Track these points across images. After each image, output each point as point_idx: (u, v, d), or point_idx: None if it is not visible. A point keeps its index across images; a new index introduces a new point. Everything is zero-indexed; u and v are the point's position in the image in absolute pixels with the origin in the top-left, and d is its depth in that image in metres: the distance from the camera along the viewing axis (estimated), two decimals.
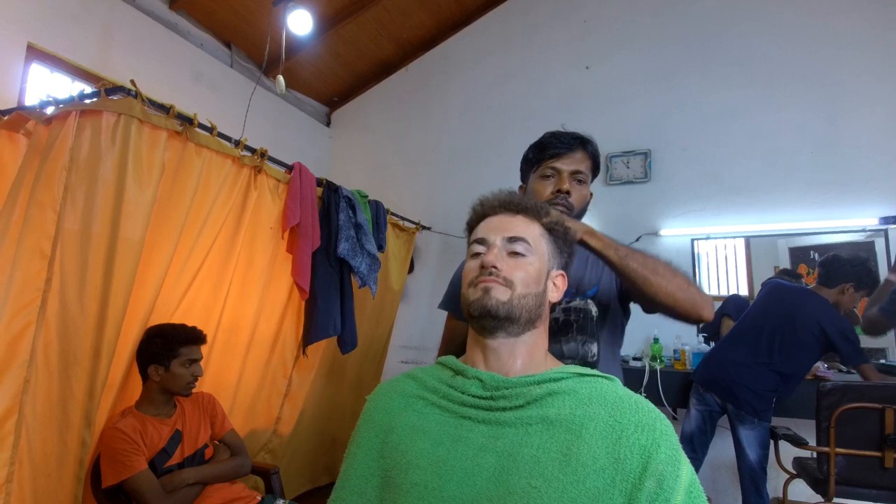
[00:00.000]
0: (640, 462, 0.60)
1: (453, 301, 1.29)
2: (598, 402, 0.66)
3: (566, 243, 0.81)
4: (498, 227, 0.76)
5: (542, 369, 0.72)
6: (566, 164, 1.05)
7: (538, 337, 0.75)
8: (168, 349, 1.67)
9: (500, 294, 0.70)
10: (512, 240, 0.74)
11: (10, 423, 1.40)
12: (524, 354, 0.73)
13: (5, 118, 1.75)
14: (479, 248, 0.75)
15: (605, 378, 0.71)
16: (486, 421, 0.67)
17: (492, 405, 0.68)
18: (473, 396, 0.70)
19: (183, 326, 1.74)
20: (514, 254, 0.73)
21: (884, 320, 2.28)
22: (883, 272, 2.69)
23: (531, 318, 0.72)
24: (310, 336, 2.30)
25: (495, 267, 0.71)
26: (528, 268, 0.73)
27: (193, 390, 1.79)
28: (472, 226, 0.82)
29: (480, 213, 0.80)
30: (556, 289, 0.79)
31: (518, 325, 0.71)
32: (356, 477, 0.72)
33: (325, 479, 3.04)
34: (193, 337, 1.72)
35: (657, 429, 0.63)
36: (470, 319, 0.74)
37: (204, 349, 1.80)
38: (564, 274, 0.80)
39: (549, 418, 0.65)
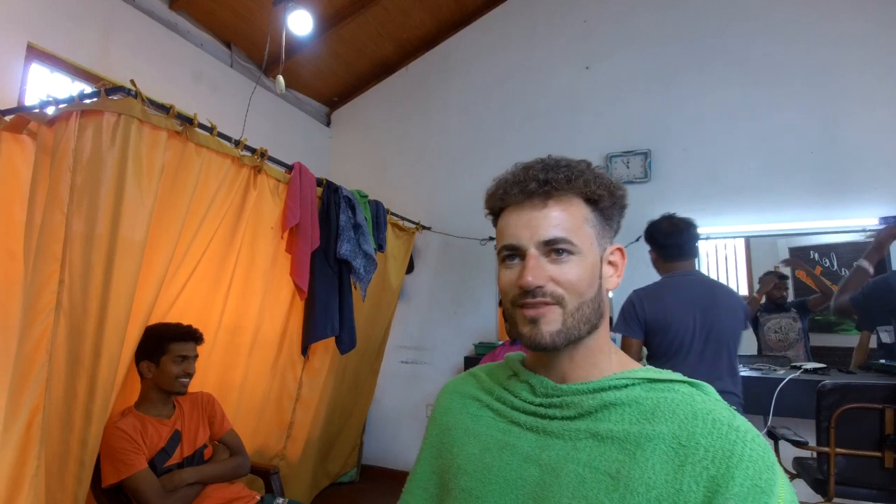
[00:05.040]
0: (704, 497, 0.50)
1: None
2: (664, 417, 0.55)
3: (616, 205, 0.64)
4: (527, 226, 0.60)
5: (606, 372, 0.63)
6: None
7: (600, 336, 0.64)
8: (158, 346, 1.69)
9: (550, 324, 0.59)
10: (550, 242, 0.59)
11: (39, 418, 1.44)
12: (585, 357, 0.63)
13: (7, 120, 1.75)
14: (510, 255, 0.62)
15: (689, 384, 0.59)
16: (534, 429, 0.62)
17: (540, 412, 0.63)
18: (523, 401, 0.65)
19: (176, 324, 1.75)
20: (557, 255, 0.60)
21: (852, 309, 2.28)
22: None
23: (592, 325, 0.62)
24: (308, 337, 2.30)
25: (539, 287, 0.59)
26: (576, 271, 0.59)
27: (191, 390, 1.79)
28: (494, 212, 0.67)
29: (500, 204, 0.64)
30: (615, 269, 0.65)
31: (578, 338, 0.61)
32: (421, 473, 0.74)
33: (325, 482, 3.04)
34: (182, 333, 1.73)
35: (735, 454, 0.50)
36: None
37: (205, 349, 1.81)
38: (621, 248, 0.65)
39: (600, 434, 0.57)
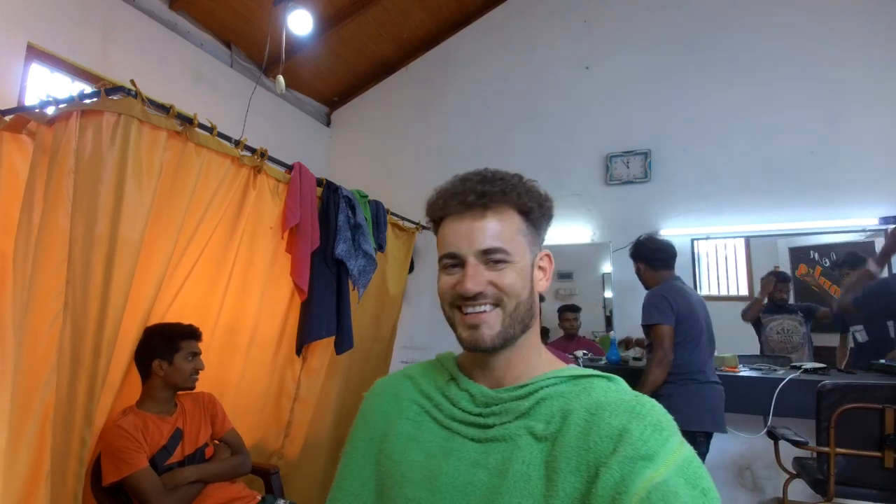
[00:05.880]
0: (609, 444, 0.54)
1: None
2: (580, 401, 0.60)
3: (544, 216, 0.69)
4: (467, 236, 0.64)
5: (537, 372, 0.67)
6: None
7: (532, 335, 0.69)
8: (171, 344, 1.70)
9: (489, 328, 0.63)
10: (487, 252, 0.63)
11: (51, 416, 1.45)
12: (520, 359, 0.68)
13: (7, 119, 1.75)
14: (452, 263, 0.66)
15: (604, 378, 0.64)
16: (476, 439, 0.64)
17: (479, 422, 0.65)
18: (463, 411, 0.67)
19: (178, 323, 1.77)
20: (494, 263, 0.64)
21: (854, 309, 2.35)
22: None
23: (525, 325, 0.66)
24: (303, 337, 2.30)
25: (479, 293, 0.63)
26: (511, 276, 0.64)
27: (194, 389, 1.80)
28: (435, 221, 0.71)
29: (441, 213, 0.69)
30: (544, 273, 0.70)
31: (514, 338, 0.65)
32: (351, 478, 0.71)
33: None
34: (191, 332, 1.77)
35: (636, 409, 0.56)
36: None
37: (202, 347, 1.82)
38: (549, 253, 0.70)
39: (535, 430, 0.60)
